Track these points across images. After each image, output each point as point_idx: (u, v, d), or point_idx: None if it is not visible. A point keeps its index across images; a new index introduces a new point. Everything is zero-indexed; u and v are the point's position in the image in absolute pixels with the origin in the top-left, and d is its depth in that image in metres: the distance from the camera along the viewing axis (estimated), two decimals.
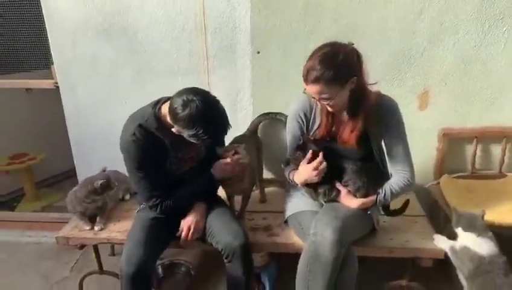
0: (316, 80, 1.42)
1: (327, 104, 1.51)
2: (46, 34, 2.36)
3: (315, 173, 1.54)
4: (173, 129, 1.51)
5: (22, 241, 2.62)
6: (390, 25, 2.01)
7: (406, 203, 1.77)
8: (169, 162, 1.65)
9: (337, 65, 1.41)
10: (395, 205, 1.76)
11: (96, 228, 1.92)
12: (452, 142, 2.17)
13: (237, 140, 1.96)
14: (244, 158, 1.71)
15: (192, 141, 1.52)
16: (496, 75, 2.06)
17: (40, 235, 2.65)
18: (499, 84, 2.07)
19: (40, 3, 2.31)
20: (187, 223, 1.69)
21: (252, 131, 2.20)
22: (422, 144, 2.15)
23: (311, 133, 1.66)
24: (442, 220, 2.07)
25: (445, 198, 2.01)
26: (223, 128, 1.50)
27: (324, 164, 1.54)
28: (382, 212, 1.76)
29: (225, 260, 1.64)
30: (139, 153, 1.56)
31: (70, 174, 3.27)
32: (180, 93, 1.45)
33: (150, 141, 1.56)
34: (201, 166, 1.74)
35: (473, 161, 2.18)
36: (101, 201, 1.97)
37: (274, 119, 2.24)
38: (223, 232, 1.64)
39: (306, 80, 1.46)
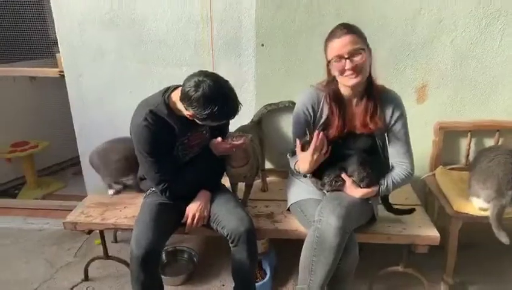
0: (348, 30, 1.50)
1: (358, 61, 1.50)
2: (48, 24, 2.41)
3: (315, 155, 1.57)
4: (187, 113, 1.56)
5: (24, 228, 2.66)
6: (391, 20, 2.08)
7: (411, 211, 1.85)
8: (176, 148, 1.71)
9: (359, 29, 1.53)
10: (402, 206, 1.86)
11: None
12: (447, 135, 2.25)
13: (241, 130, 2.01)
14: (240, 144, 1.75)
15: (205, 123, 1.57)
16: (490, 71, 2.13)
17: (43, 223, 2.69)
18: (493, 79, 2.15)
19: None
20: (192, 211, 1.74)
21: (256, 122, 2.25)
22: (419, 136, 2.18)
23: (317, 127, 1.69)
24: (436, 210, 2.16)
25: (440, 188, 2.09)
26: (235, 105, 1.55)
27: (323, 141, 1.58)
28: (381, 203, 1.82)
29: (231, 245, 1.69)
30: (151, 138, 1.62)
31: (72, 163, 3.32)
32: (191, 76, 1.51)
33: (160, 126, 1.62)
34: (205, 153, 1.79)
35: (467, 153, 2.26)
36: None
37: (276, 110, 2.29)
38: (228, 218, 1.69)
39: (335, 36, 1.51)
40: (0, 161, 3.06)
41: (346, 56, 1.49)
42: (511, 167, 1.82)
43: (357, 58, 1.50)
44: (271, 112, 2.30)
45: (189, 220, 1.74)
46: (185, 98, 1.51)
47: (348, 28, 1.51)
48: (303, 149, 1.62)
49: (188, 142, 1.75)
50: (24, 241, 2.52)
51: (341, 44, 1.50)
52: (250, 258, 1.70)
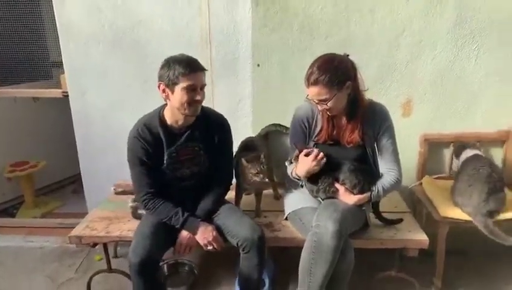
0: (315, 82, 1.63)
1: (325, 107, 1.69)
2: (48, 47, 2.56)
3: (314, 162, 1.70)
4: (161, 86, 1.68)
5: (24, 246, 2.68)
6: (377, 41, 2.25)
7: (399, 220, 1.97)
8: (165, 161, 1.78)
9: (333, 69, 1.62)
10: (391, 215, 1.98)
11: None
12: (432, 146, 2.40)
13: (249, 141, 2.13)
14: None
15: (176, 80, 1.63)
16: (468, 87, 2.30)
17: (42, 241, 2.71)
18: (471, 94, 2.32)
19: (42, 17, 2.50)
20: (182, 240, 1.78)
21: (263, 136, 2.37)
22: (405, 148, 2.29)
23: (312, 137, 1.84)
24: (424, 217, 2.28)
25: (427, 196, 2.22)
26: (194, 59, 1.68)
27: (322, 154, 1.71)
28: (372, 211, 1.93)
29: (242, 252, 1.75)
30: (140, 149, 1.74)
31: (69, 181, 3.37)
32: None
33: (150, 139, 1.74)
34: (205, 177, 1.87)
35: (450, 163, 2.40)
36: None
37: (279, 132, 2.40)
38: (239, 227, 1.75)
39: (307, 83, 1.67)
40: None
41: (316, 102, 1.69)
42: (483, 186, 1.98)
43: (324, 106, 1.68)
44: (275, 132, 2.41)
45: (179, 250, 1.80)
46: (161, 76, 1.66)
47: (316, 79, 1.62)
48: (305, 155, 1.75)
49: (177, 156, 1.79)
50: (25, 259, 2.54)
51: (310, 93, 1.69)
52: (260, 264, 1.77)
